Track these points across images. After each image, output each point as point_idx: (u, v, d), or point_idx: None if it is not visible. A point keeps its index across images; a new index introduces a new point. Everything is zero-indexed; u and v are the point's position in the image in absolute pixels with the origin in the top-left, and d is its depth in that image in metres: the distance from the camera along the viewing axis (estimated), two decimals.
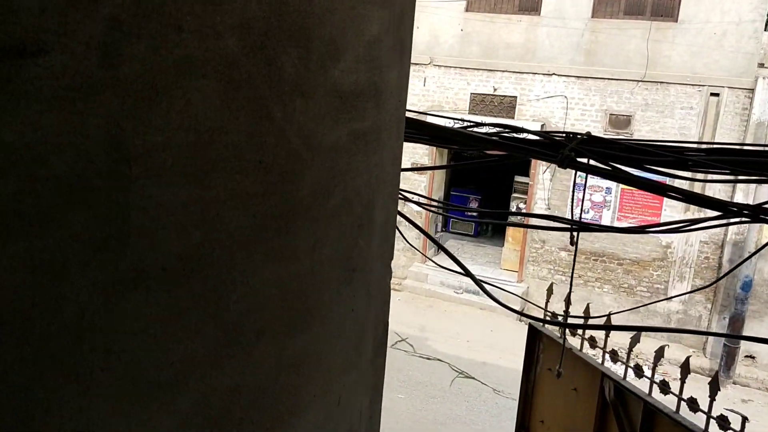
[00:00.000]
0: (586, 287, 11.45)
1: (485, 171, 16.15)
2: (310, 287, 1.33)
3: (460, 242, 15.26)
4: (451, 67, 12.03)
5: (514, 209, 13.07)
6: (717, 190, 10.15)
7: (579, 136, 2.00)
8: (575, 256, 2.51)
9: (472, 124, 2.22)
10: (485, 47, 11.85)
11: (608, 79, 10.89)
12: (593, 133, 1.98)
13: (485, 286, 2.34)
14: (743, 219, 1.84)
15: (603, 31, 10.98)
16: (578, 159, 1.98)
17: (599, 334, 3.06)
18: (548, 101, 11.51)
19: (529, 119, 11.37)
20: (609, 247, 11.59)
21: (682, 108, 10.79)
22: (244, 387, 1.12)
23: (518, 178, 12.63)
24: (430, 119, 2.63)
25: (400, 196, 2.19)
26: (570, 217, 2.27)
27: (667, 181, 2.22)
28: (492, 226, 15.69)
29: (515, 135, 2.13)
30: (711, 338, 11.14)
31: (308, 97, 1.19)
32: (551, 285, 3.24)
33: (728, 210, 1.66)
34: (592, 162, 1.98)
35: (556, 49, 11.34)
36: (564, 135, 2.03)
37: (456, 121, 2.26)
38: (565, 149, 1.95)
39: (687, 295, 11.28)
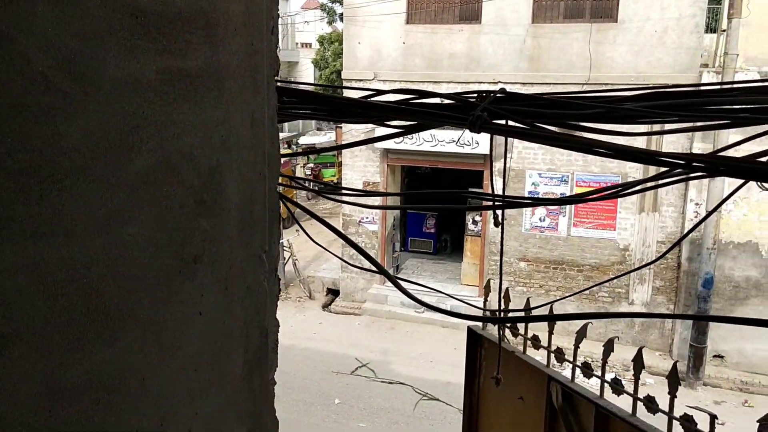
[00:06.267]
0: (548, 296, 11.21)
1: (439, 187, 15.99)
2: (108, 279, 0.95)
3: (420, 260, 14.96)
4: (395, 81, 11.80)
5: (470, 222, 12.83)
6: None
7: (492, 94, 1.68)
8: (502, 238, 2.17)
9: (373, 92, 1.89)
10: (428, 59, 11.66)
11: (553, 83, 10.78)
12: None
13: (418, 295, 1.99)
14: (697, 173, 1.54)
15: (545, 36, 10.90)
16: (494, 120, 1.66)
17: (543, 335, 2.74)
18: None
19: None
20: (568, 255, 11.39)
21: None
22: None
23: (472, 190, 12.39)
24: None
25: (283, 180, 1.84)
26: (492, 193, 1.95)
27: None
28: (450, 242, 15.43)
29: (423, 101, 1.80)
30: (677, 340, 10.96)
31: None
32: (488, 281, 2.91)
33: (665, 163, 1.35)
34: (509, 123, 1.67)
35: (500, 56, 11.22)
36: (477, 94, 1.71)
37: (361, 91, 1.92)
38: (477, 110, 1.63)
39: (649, 297, 11.12)
